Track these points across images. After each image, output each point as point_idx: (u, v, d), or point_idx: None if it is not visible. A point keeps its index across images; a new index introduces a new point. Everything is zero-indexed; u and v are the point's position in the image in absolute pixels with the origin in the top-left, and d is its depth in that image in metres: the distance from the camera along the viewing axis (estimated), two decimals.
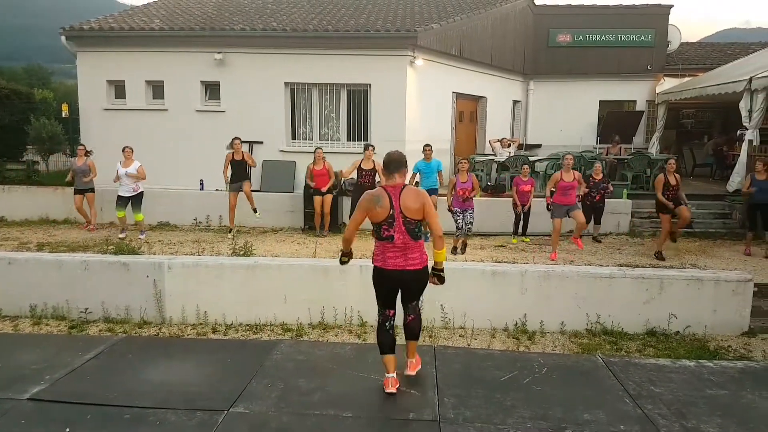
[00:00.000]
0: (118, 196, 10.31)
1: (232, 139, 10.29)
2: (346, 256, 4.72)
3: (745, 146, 11.68)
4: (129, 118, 12.58)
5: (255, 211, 10.52)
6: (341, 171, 10.48)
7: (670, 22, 17.05)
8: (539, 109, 17.33)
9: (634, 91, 17.14)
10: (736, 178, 11.79)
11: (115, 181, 10.23)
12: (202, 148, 12.32)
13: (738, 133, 13.36)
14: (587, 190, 9.84)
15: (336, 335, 6.35)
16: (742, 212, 10.94)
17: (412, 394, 4.60)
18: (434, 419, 4.21)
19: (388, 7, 14.88)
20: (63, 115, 15.30)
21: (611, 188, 10.48)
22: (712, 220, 11.38)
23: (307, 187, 10.84)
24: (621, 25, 16.91)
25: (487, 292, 6.54)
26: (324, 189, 10.48)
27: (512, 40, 15.98)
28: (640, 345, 6.18)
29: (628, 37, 16.89)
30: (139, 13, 13.94)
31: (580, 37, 17.03)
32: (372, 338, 6.25)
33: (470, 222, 9.12)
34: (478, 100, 15.20)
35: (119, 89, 12.89)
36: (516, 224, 10.34)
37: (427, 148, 10.16)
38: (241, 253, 7.62)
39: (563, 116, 16.88)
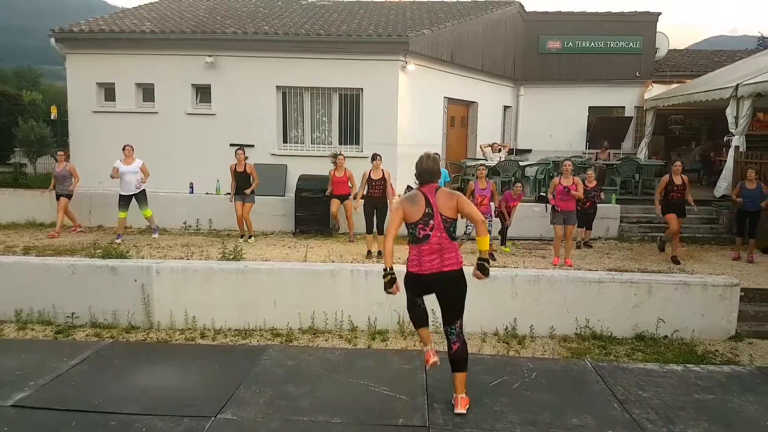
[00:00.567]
0: (120, 195, 10.23)
1: (236, 150, 10.28)
2: (390, 274, 4.29)
3: (731, 152, 11.79)
4: (118, 120, 12.49)
5: (250, 237, 10.40)
6: (356, 194, 9.98)
7: (658, 30, 17.21)
8: (529, 115, 17.41)
9: (623, 98, 17.26)
10: (723, 184, 11.89)
11: (112, 177, 10.14)
12: (192, 152, 12.26)
13: (725, 139, 13.51)
14: (584, 198, 9.87)
15: (326, 340, 6.33)
16: (729, 217, 11.03)
17: (402, 400, 4.59)
18: (424, 425, 4.21)
19: (380, 12, 14.91)
20: (52, 118, 15.21)
21: (603, 196, 10.54)
22: (699, 225, 11.47)
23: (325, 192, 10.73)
24: (610, 32, 17.05)
25: (478, 297, 6.52)
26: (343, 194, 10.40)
27: (503, 46, 16.06)
28: (628, 349, 6.21)
29: (617, 44, 17.03)
30: (130, 15, 13.86)
31: (570, 44, 17.14)
32: (362, 343, 6.25)
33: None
34: (469, 105, 15.26)
35: (109, 92, 12.80)
36: (502, 232, 10.34)
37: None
38: (231, 257, 7.58)
39: (553, 122, 16.97)
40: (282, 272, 6.72)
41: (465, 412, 4.35)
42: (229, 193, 10.37)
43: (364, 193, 9.38)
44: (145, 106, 12.65)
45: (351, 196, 10.35)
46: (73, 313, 6.57)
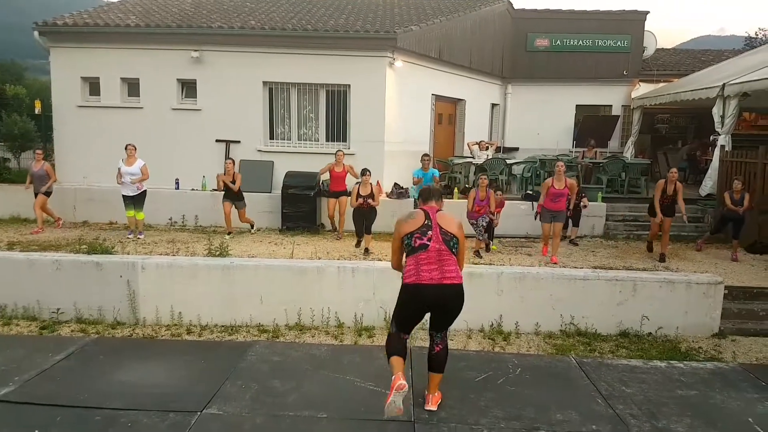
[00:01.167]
0: (123, 195, 10.15)
1: (225, 162, 10.50)
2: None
3: (717, 151, 11.92)
4: (103, 115, 12.36)
5: (252, 228, 10.93)
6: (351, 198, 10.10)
7: (646, 29, 17.32)
8: (517, 113, 17.46)
9: (610, 96, 17.35)
10: (709, 183, 12.03)
11: (118, 182, 10.02)
12: (177, 147, 12.16)
13: (711, 138, 13.65)
14: (578, 201, 9.95)
15: (313, 336, 6.33)
16: (714, 215, 11.16)
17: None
18: (409, 419, 4.23)
19: (368, 8, 14.87)
20: (36, 112, 15.01)
21: (587, 204, 10.60)
22: (684, 224, 11.56)
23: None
24: (598, 31, 17.14)
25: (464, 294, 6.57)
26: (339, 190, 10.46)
27: (491, 43, 16.09)
28: (613, 346, 6.27)
29: (604, 43, 17.12)
30: (115, 9, 13.70)
31: (558, 42, 17.21)
32: (349, 339, 6.26)
33: (483, 225, 9.33)
34: (456, 102, 15.28)
35: (94, 86, 12.65)
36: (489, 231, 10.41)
37: (425, 158, 10.42)
38: (217, 253, 7.55)
39: (540, 120, 17.04)
40: (269, 269, 6.70)
41: (436, 409, 4.36)
42: (216, 189, 10.41)
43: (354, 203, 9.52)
44: (130, 101, 12.53)
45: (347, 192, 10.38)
46: (58, 309, 6.51)
